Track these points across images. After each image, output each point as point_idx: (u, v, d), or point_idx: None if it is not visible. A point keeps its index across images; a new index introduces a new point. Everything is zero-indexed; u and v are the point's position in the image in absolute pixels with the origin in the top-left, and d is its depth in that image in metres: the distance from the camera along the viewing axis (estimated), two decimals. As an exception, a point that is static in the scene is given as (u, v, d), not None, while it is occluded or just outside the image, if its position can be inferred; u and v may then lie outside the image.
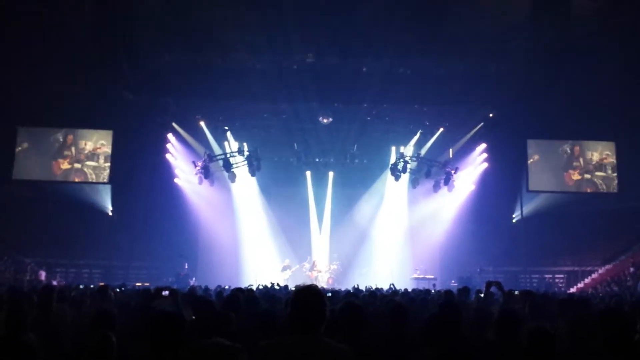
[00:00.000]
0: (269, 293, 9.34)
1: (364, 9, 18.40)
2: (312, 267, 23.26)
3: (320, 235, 25.08)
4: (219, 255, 23.06)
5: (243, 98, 21.34)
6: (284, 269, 23.15)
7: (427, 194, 23.87)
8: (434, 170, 22.77)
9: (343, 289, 13.46)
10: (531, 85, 20.84)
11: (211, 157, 22.16)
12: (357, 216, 24.95)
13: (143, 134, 22.74)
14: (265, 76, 19.99)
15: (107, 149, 24.00)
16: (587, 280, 23.52)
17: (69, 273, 23.41)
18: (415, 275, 21.97)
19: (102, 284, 9.51)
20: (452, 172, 22.09)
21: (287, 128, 23.29)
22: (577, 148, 24.85)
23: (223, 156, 22.28)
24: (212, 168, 22.18)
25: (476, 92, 20.81)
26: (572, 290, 21.59)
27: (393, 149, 24.00)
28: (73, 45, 19.38)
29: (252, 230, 24.34)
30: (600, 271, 23.78)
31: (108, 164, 23.89)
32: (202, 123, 23.02)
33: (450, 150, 23.17)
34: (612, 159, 24.65)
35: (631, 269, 22.17)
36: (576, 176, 24.69)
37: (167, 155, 23.24)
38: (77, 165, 23.84)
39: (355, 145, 23.62)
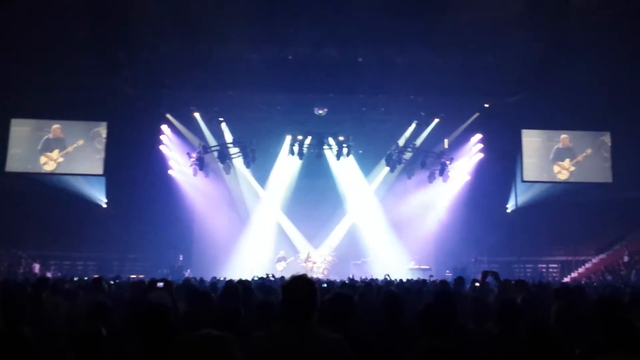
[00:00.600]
0: (264, 284, 9.32)
1: (360, -1, 18.35)
2: (307, 258, 23.26)
3: (314, 227, 25.02)
4: (214, 246, 23.02)
5: (238, 89, 21.27)
6: (279, 260, 23.16)
7: (422, 185, 23.88)
8: (429, 161, 22.80)
9: (338, 280, 13.46)
10: (527, 76, 20.87)
11: (206, 148, 22.10)
12: (352, 207, 24.94)
13: (137, 126, 22.60)
14: (261, 67, 19.92)
15: (99, 141, 23.85)
16: (580, 270, 23.65)
17: (63, 265, 23.34)
18: (411, 266, 22.01)
19: (96, 276, 9.48)
20: (447, 162, 22.12)
21: (283, 119, 23.22)
22: (571, 138, 24.87)
23: (218, 147, 22.21)
24: (207, 159, 22.13)
25: (472, 82, 20.80)
26: (566, 279, 21.67)
27: (388, 139, 23.92)
28: (68, 36, 19.27)
29: (247, 222, 24.31)
30: (594, 261, 23.92)
31: (100, 156, 23.74)
32: (196, 114, 22.91)
33: (446, 140, 23.18)
34: (606, 150, 24.70)
35: (625, 259, 22.30)
36: (570, 166, 24.74)
37: (162, 147, 23.14)
38: (69, 157, 23.69)
39: (351, 136, 23.57)
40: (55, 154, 23.64)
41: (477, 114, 23.27)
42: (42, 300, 6.01)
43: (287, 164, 24.49)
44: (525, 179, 24.71)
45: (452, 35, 19.46)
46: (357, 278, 14.44)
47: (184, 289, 7.18)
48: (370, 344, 3.86)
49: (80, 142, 23.75)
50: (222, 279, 13.18)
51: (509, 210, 25.31)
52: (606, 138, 24.79)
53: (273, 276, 14.63)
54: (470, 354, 3.63)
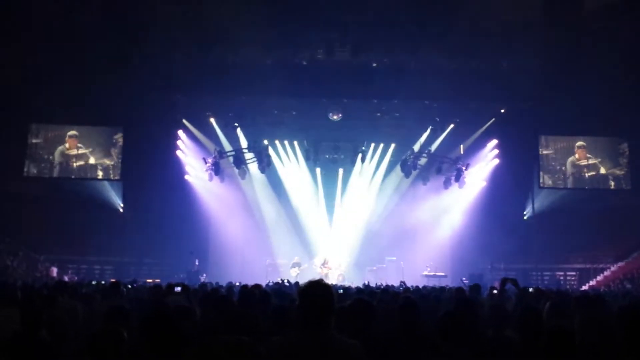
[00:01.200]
0: (280, 290, 9.29)
1: (374, 4, 18.31)
2: (324, 264, 23.20)
3: (330, 232, 25.02)
4: (230, 251, 23.07)
5: (253, 94, 21.34)
6: (294, 265, 23.12)
7: (438, 191, 23.75)
8: (444, 167, 22.68)
9: (354, 286, 13.40)
10: (543, 81, 20.67)
11: (221, 153, 22.18)
12: (367, 213, 24.87)
13: (154, 131, 22.76)
14: (275, 72, 19.94)
15: (116, 147, 24.07)
16: (599, 278, 23.33)
17: (81, 269, 23.51)
18: (426, 273, 21.85)
19: (113, 280, 9.53)
20: (463, 168, 21.96)
21: (297, 124, 23.26)
22: (588, 146, 24.62)
23: (233, 153, 22.29)
24: (223, 164, 22.21)
25: (487, 88, 20.65)
26: (585, 287, 21.38)
27: (403, 145, 23.87)
28: (85, 42, 19.45)
29: (262, 227, 24.33)
30: (612, 268, 23.57)
31: (116, 161, 23.95)
32: (212, 120, 23.04)
33: (461, 146, 23.05)
34: (624, 156, 24.42)
35: (644, 267, 21.97)
36: (587, 173, 24.48)
37: (178, 152, 23.29)
38: (84, 163, 23.93)
39: (365, 142, 23.55)
40: (73, 159, 23.88)
41: (493, 120, 23.11)
42: (60, 304, 6.03)
43: (301, 169, 24.52)
44: (542, 185, 24.47)
45: (466, 40, 19.38)
46: (372, 284, 14.36)
47: (201, 294, 7.19)
48: (388, 350, 3.82)
49: (97, 148, 23.97)
50: (237, 284, 13.19)
51: (525, 217, 25.08)
52: (624, 145, 24.50)
53: (288, 282, 14.62)
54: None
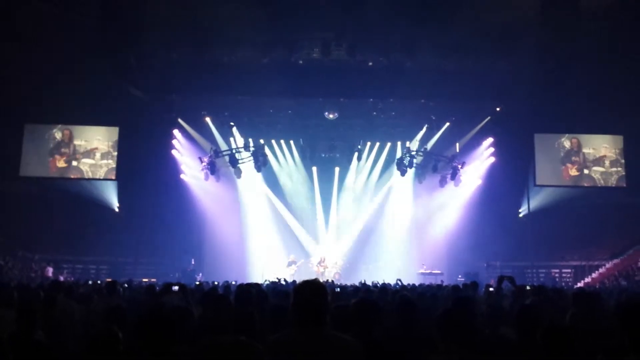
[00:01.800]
0: (277, 288, 9.29)
1: (370, 3, 18.29)
2: (320, 262, 23.23)
3: (326, 231, 25.05)
4: (225, 250, 23.05)
5: (249, 94, 21.31)
6: (290, 264, 23.11)
7: (434, 189, 23.79)
8: (440, 165, 22.71)
9: (349, 285, 13.41)
10: (539, 79, 20.69)
11: (217, 152, 22.14)
12: (363, 211, 24.91)
13: (149, 130, 22.73)
14: (271, 72, 19.90)
15: (108, 146, 24.01)
16: (594, 275, 23.42)
17: (76, 269, 23.47)
18: (422, 271, 21.89)
19: (109, 279, 9.50)
20: (459, 166, 22.00)
21: (293, 124, 23.27)
22: (584, 142, 24.71)
23: (229, 152, 22.27)
24: (218, 164, 22.18)
25: (483, 86, 20.67)
26: (580, 284, 21.46)
27: (399, 143, 23.93)
28: (80, 42, 19.38)
29: (258, 226, 24.33)
30: (607, 266, 23.67)
31: (112, 161, 23.89)
32: (207, 119, 23.00)
33: (457, 144, 23.07)
34: (619, 154, 24.51)
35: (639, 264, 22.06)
36: (583, 171, 24.57)
37: (173, 152, 23.24)
38: (81, 162, 23.86)
39: (361, 141, 23.56)
40: (60, 158, 23.79)
41: (488, 118, 23.14)
42: (56, 304, 6.01)
43: (298, 168, 24.54)
44: (538, 183, 24.54)
45: (462, 39, 19.38)
46: (368, 282, 14.37)
47: (198, 293, 7.18)
48: (387, 348, 3.82)
49: (93, 147, 23.90)
50: (233, 282, 13.19)
51: (521, 215, 25.15)
52: (619, 142, 24.58)
53: (285, 280, 14.62)
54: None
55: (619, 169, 24.47)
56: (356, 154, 23.43)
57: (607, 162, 24.52)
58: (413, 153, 22.46)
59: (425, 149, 23.01)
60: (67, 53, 19.80)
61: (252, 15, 18.55)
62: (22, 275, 19.99)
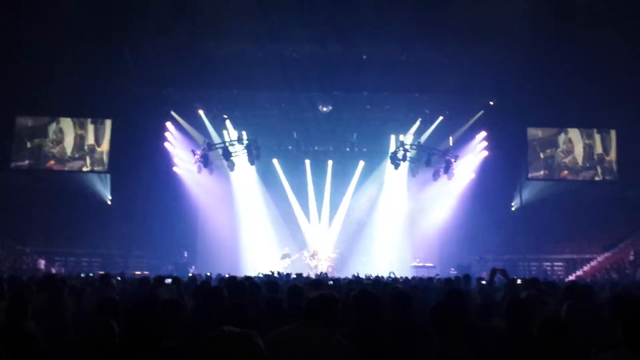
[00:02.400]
0: (270, 281, 9.29)
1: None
2: (314, 255, 23.24)
3: (319, 224, 25.07)
4: (218, 243, 23.05)
5: (242, 87, 21.26)
6: (284, 257, 23.13)
7: (427, 182, 23.82)
8: (433, 159, 22.73)
9: (342, 277, 13.44)
10: (532, 73, 20.76)
11: (210, 145, 22.08)
12: (356, 205, 24.93)
13: (142, 123, 22.64)
14: (265, 64, 19.85)
15: (100, 139, 23.88)
16: (586, 268, 23.59)
17: (68, 262, 23.39)
18: (415, 264, 21.97)
19: (101, 272, 9.47)
20: (452, 160, 22.03)
21: (287, 116, 23.22)
22: (576, 136, 24.80)
23: (222, 145, 22.21)
24: (211, 157, 22.11)
25: (477, 80, 20.69)
26: (571, 277, 21.60)
27: (393, 137, 23.95)
28: (73, 34, 19.22)
29: (251, 219, 24.32)
30: (599, 259, 23.84)
31: (104, 153, 23.77)
32: (201, 112, 22.91)
33: (450, 138, 23.11)
34: (612, 148, 24.63)
35: (631, 257, 22.22)
36: (575, 164, 24.68)
37: (166, 144, 23.15)
38: (74, 155, 23.72)
39: (355, 134, 23.56)
40: (59, 150, 23.66)
41: (481, 112, 23.19)
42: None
43: (290, 161, 24.51)
44: (530, 176, 24.64)
45: (456, 33, 19.34)
46: (361, 275, 14.41)
47: (191, 286, 7.17)
48: (381, 341, 3.84)
49: (85, 140, 23.75)
50: (226, 275, 13.17)
51: (513, 208, 25.25)
52: (611, 136, 24.70)
53: (278, 273, 14.63)
54: (482, 353, 3.60)
55: (611, 163, 24.59)
56: (350, 147, 23.43)
57: (599, 156, 24.62)
58: (407, 146, 22.47)
59: (419, 142, 23.02)
60: (59, 45, 19.63)
61: (246, 8, 18.45)
62: (13, 268, 19.90)
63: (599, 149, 24.70)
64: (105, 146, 23.85)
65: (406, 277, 12.80)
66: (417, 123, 23.25)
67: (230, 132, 22.98)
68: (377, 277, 12.05)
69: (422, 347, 3.61)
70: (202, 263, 21.98)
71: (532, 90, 21.58)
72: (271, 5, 18.33)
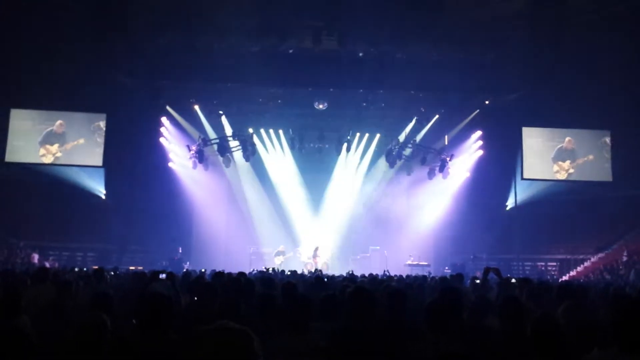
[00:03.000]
0: (264, 277, 9.28)
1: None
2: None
3: (314, 221, 25.03)
4: (213, 239, 23.02)
5: (238, 82, 21.16)
6: (278, 254, 23.11)
7: (422, 181, 23.84)
8: (429, 157, 22.78)
9: (337, 275, 13.44)
10: (528, 73, 20.80)
11: (205, 141, 22.03)
12: (351, 202, 24.93)
13: (137, 117, 22.53)
14: (261, 60, 19.77)
15: (99, 133, 23.78)
16: (579, 269, 23.66)
17: (62, 256, 23.31)
18: (409, 262, 22.00)
19: (95, 267, 9.43)
20: (447, 159, 22.06)
21: (282, 113, 23.17)
22: (572, 137, 24.86)
23: (217, 140, 22.15)
24: (207, 152, 22.07)
25: (472, 79, 20.69)
26: (565, 278, 21.68)
27: (388, 135, 23.90)
28: (67, 27, 19.12)
29: (246, 215, 24.29)
30: (593, 259, 23.92)
31: (99, 148, 23.68)
32: (196, 107, 22.84)
33: (446, 137, 23.14)
34: (606, 148, 24.71)
35: (624, 258, 22.29)
36: (570, 167, 24.75)
37: (161, 139, 23.06)
38: (68, 150, 23.62)
39: (351, 131, 23.55)
40: (55, 147, 23.56)
41: (477, 111, 23.20)
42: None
43: (286, 158, 24.48)
44: (525, 176, 24.70)
45: (452, 32, 19.36)
46: (356, 273, 14.41)
47: (186, 281, 7.16)
48: (376, 338, 3.84)
49: (81, 140, 23.64)
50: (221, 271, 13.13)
51: (508, 208, 25.31)
52: (606, 137, 24.77)
53: (274, 270, 14.61)
54: (476, 351, 3.60)
55: (606, 163, 24.66)
56: (345, 144, 23.41)
57: (593, 157, 24.70)
58: (402, 145, 22.47)
59: (415, 141, 23.03)
60: (54, 38, 19.54)
61: (242, 3, 18.41)
62: (7, 262, 19.82)
63: (593, 150, 24.76)
64: (99, 140, 23.74)
65: (400, 276, 12.80)
66: (413, 121, 23.26)
67: (226, 128, 22.92)
68: (371, 274, 12.04)
69: (416, 344, 3.62)
70: (197, 259, 21.95)
71: (528, 90, 21.63)
72: (267, 0, 18.28)
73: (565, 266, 24.22)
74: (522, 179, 24.75)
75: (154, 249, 23.04)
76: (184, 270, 15.22)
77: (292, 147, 23.78)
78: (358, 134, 24.11)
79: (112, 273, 10.48)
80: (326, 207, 24.93)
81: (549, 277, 21.46)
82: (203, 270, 13.42)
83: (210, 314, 3.58)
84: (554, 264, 24.80)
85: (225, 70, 20.29)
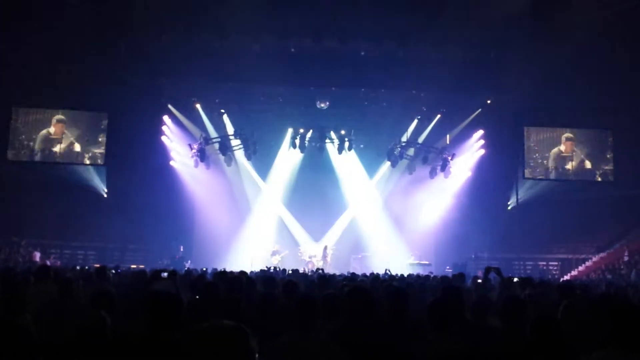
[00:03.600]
0: (265, 276, 9.29)
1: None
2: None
3: (316, 220, 24.98)
4: (214, 238, 23.00)
5: (240, 81, 21.18)
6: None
7: (424, 180, 23.82)
8: (430, 157, 22.77)
9: (338, 274, 13.44)
10: (530, 72, 20.77)
11: (207, 140, 22.03)
12: (353, 201, 24.92)
13: (138, 116, 22.53)
14: (263, 59, 19.76)
15: (97, 131, 23.80)
16: (581, 268, 23.63)
17: (64, 254, 23.33)
18: (411, 261, 22.00)
19: (97, 265, 9.45)
20: (449, 158, 22.06)
21: (284, 112, 23.16)
22: (572, 136, 24.84)
23: (219, 139, 22.16)
24: (208, 151, 22.08)
25: (474, 78, 20.70)
26: (566, 277, 21.66)
27: (390, 134, 23.86)
28: (70, 26, 19.14)
29: (247, 214, 24.29)
30: (594, 259, 23.88)
31: (101, 146, 23.70)
32: (198, 105, 22.85)
33: (448, 136, 23.13)
34: (608, 148, 24.69)
35: (625, 258, 22.26)
36: (570, 164, 24.73)
37: (163, 138, 23.08)
38: (69, 147, 23.65)
39: (352, 130, 23.53)
40: (57, 146, 23.58)
41: (479, 110, 23.19)
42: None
43: (288, 157, 24.46)
44: (526, 176, 24.69)
45: (454, 31, 19.35)
46: (357, 272, 14.41)
47: (188, 279, 7.17)
48: (377, 337, 3.84)
49: (83, 139, 23.65)
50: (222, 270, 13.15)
51: (509, 207, 25.29)
52: (608, 136, 24.74)
53: (275, 269, 14.61)
54: (477, 350, 3.60)
55: (607, 163, 24.64)
56: (347, 143, 23.39)
57: (595, 156, 24.68)
58: (404, 144, 22.46)
59: (416, 140, 23.02)
60: (56, 37, 19.54)
61: (243, 2, 18.40)
62: (9, 260, 19.84)
63: (595, 149, 24.74)
64: (101, 139, 23.77)
65: (402, 275, 12.79)
66: (415, 120, 23.25)
67: (227, 127, 22.92)
68: (372, 274, 12.04)
69: (418, 343, 3.62)
70: (198, 258, 21.95)
71: (530, 89, 21.60)
72: (268, -1, 18.30)
73: (566, 266, 24.20)
74: (524, 178, 24.75)
75: (155, 248, 23.07)
76: (186, 268, 15.24)
77: (293, 146, 23.75)
78: (360, 133, 24.07)
79: (114, 271, 10.49)
80: (327, 206, 24.89)
81: (550, 276, 21.45)
82: (204, 269, 13.41)
83: (211, 313, 3.59)
84: (555, 263, 24.79)
85: (227, 69, 20.30)
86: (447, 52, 20.45)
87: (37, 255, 21.41)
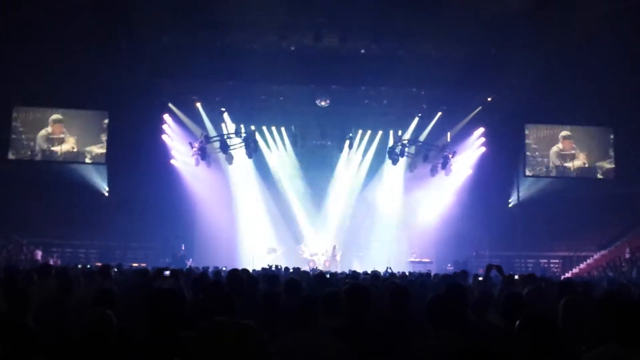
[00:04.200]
0: (267, 275, 9.31)
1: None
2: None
3: (316, 218, 25.04)
4: (216, 236, 23.04)
5: (240, 79, 21.17)
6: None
7: (425, 178, 23.83)
8: (431, 154, 22.76)
9: (339, 272, 13.46)
10: (530, 69, 20.76)
11: (208, 138, 22.04)
12: (354, 199, 24.94)
13: (139, 114, 22.57)
14: (263, 57, 19.79)
15: (98, 130, 23.81)
16: (582, 266, 23.65)
17: (65, 253, 23.36)
18: (412, 259, 22.03)
19: (98, 263, 9.46)
20: (450, 156, 22.05)
21: (285, 110, 23.18)
22: (574, 134, 24.83)
23: (220, 138, 22.18)
24: (209, 149, 22.09)
25: (475, 75, 20.67)
26: (567, 275, 21.67)
27: (391, 132, 23.92)
28: (70, 25, 19.13)
29: (248, 212, 24.31)
30: (595, 257, 23.89)
31: (102, 145, 23.71)
32: (198, 104, 22.86)
33: (448, 134, 23.11)
34: (609, 146, 24.68)
35: (627, 255, 22.26)
36: (572, 162, 24.72)
37: (164, 136, 23.11)
38: (69, 146, 23.66)
39: (353, 128, 23.55)
40: (57, 145, 23.59)
41: (479, 108, 23.18)
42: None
43: (288, 155, 24.48)
44: (527, 173, 24.69)
45: (455, 28, 19.33)
46: (359, 270, 14.42)
47: (190, 278, 7.19)
48: (379, 336, 3.86)
49: (84, 137, 23.66)
50: (223, 268, 13.18)
51: (510, 205, 25.29)
52: (609, 134, 24.73)
53: (277, 267, 14.63)
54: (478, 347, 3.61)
55: (608, 160, 24.64)
56: (347, 141, 23.42)
57: (596, 154, 24.68)
58: (405, 142, 22.47)
59: (417, 138, 23.03)
60: (57, 35, 19.54)
61: (243, 0, 18.40)
62: (10, 259, 19.87)
63: (596, 147, 24.73)
64: (102, 138, 23.78)
65: (403, 272, 12.82)
66: (416, 118, 23.25)
67: (228, 125, 22.94)
68: (373, 271, 12.06)
69: (418, 341, 3.63)
70: (200, 256, 21.96)
71: (531, 87, 21.60)
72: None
73: (567, 263, 24.21)
74: (525, 176, 24.76)
75: (156, 246, 23.10)
76: (187, 267, 15.26)
77: (294, 144, 23.79)
78: (360, 131, 24.12)
79: (116, 270, 10.50)
80: (328, 204, 24.92)
81: (551, 274, 21.46)
82: (203, 267, 13.43)
83: (214, 311, 3.61)
84: (557, 261, 24.79)
85: (227, 67, 20.28)
86: (447, 50, 20.43)
87: (39, 254, 21.46)
